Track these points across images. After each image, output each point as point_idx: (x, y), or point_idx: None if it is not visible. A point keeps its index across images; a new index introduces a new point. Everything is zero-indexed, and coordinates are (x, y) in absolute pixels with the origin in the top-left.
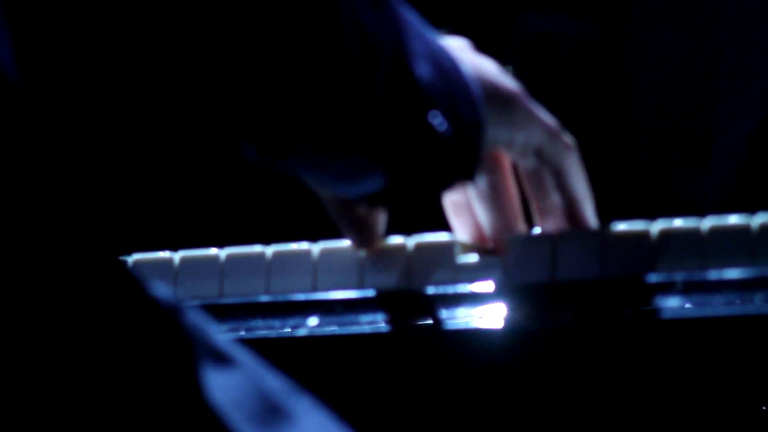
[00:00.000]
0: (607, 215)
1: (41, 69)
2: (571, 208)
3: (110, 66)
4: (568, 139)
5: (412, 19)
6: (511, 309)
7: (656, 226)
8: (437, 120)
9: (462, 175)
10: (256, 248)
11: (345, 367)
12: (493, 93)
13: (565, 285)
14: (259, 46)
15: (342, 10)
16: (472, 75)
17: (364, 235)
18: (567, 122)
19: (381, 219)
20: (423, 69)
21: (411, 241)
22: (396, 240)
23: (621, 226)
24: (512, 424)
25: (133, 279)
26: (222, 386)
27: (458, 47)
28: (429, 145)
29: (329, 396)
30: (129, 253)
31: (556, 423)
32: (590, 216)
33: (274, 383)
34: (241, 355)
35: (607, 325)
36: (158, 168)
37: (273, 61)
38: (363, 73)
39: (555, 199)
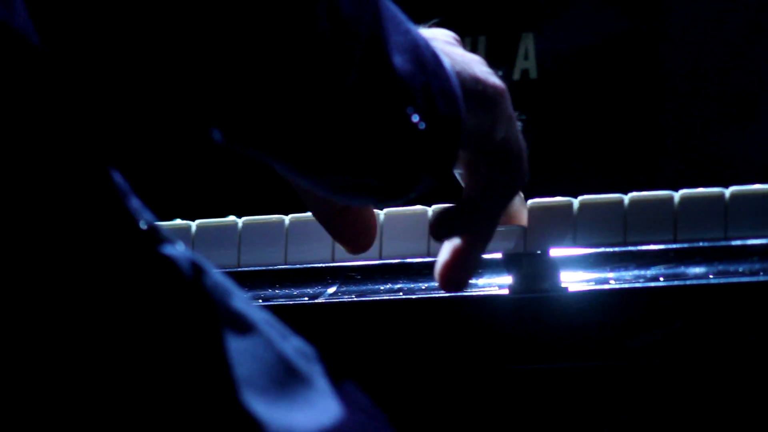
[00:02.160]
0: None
1: (57, 31)
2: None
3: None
4: (523, 170)
5: (392, 9)
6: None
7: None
8: (413, 114)
9: (437, 170)
10: (274, 217)
11: (363, 334)
12: (475, 89)
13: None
14: (229, 21)
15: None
16: (453, 69)
17: (352, 241)
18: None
19: (371, 224)
20: (400, 60)
21: (429, 209)
22: (414, 207)
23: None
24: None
25: (149, 240)
26: (241, 351)
27: (443, 41)
28: (403, 137)
29: (347, 363)
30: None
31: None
32: (475, 253)
33: (292, 347)
34: (260, 317)
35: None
36: (173, 135)
37: (243, 39)
38: (337, 58)
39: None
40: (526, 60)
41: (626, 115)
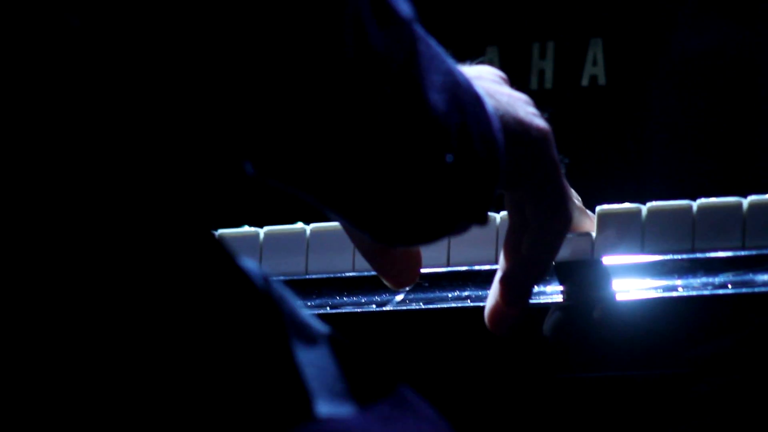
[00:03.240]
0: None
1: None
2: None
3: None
4: (566, 217)
5: (432, 47)
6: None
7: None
8: (447, 154)
9: (472, 213)
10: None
11: (430, 342)
12: (519, 132)
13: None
14: (257, 53)
15: (347, 21)
16: (496, 111)
17: (395, 278)
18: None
19: (415, 260)
20: (436, 99)
21: (497, 216)
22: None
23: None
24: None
25: (225, 252)
26: (309, 362)
27: (490, 80)
28: (437, 179)
29: (413, 372)
30: (214, 229)
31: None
32: (524, 288)
33: (356, 360)
34: (324, 329)
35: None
36: None
37: (266, 65)
38: (365, 93)
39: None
40: (595, 66)
41: (693, 121)
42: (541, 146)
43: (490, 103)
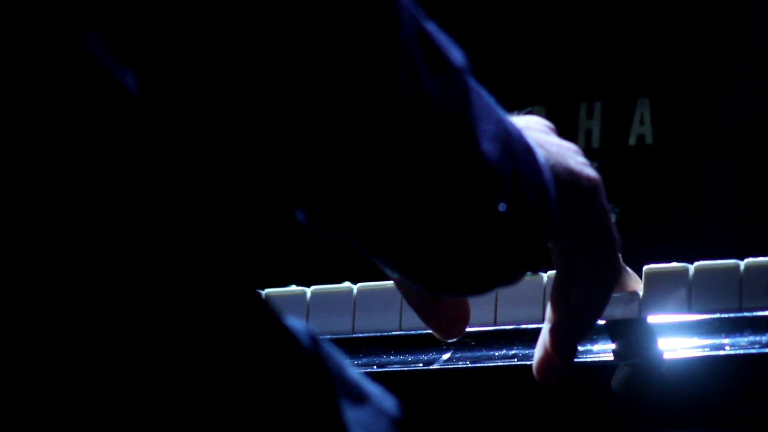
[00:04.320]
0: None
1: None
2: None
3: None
4: (617, 267)
5: (484, 96)
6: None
7: None
8: (500, 203)
9: (525, 263)
10: (389, 283)
11: (477, 401)
12: (569, 182)
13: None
14: (309, 102)
15: (400, 70)
16: (547, 161)
17: (444, 329)
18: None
19: (464, 311)
20: (489, 148)
21: (544, 275)
22: (529, 276)
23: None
24: None
25: (271, 312)
26: (357, 422)
27: (538, 130)
28: (489, 228)
29: (460, 431)
30: (261, 288)
31: None
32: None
33: (405, 420)
34: (372, 389)
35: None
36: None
37: (321, 117)
38: (418, 141)
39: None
40: (642, 125)
41: (740, 180)
42: (591, 195)
43: (540, 153)
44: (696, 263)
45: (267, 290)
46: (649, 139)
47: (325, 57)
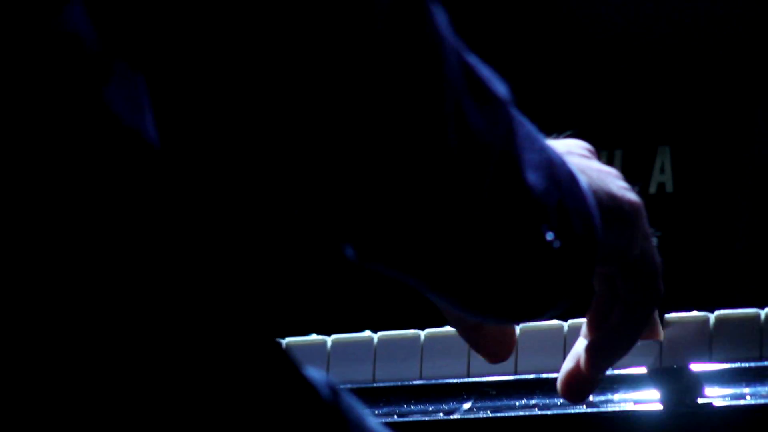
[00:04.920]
0: None
1: (182, 141)
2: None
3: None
4: (659, 289)
5: (527, 125)
6: (667, 391)
7: None
8: (548, 232)
9: (572, 289)
10: (409, 332)
11: None
12: (611, 206)
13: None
14: (353, 131)
15: (447, 108)
16: (589, 187)
17: (491, 353)
18: None
19: (510, 335)
20: (534, 178)
21: (565, 324)
22: (551, 322)
23: None
24: None
25: (291, 362)
26: None
27: (579, 154)
28: (537, 256)
29: None
30: (282, 337)
31: None
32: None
33: None
34: None
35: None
36: (304, 250)
37: (368, 148)
38: (466, 176)
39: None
40: (663, 174)
41: (760, 228)
42: (634, 219)
43: (583, 179)
44: (716, 312)
45: (287, 339)
46: (669, 188)
47: (375, 102)
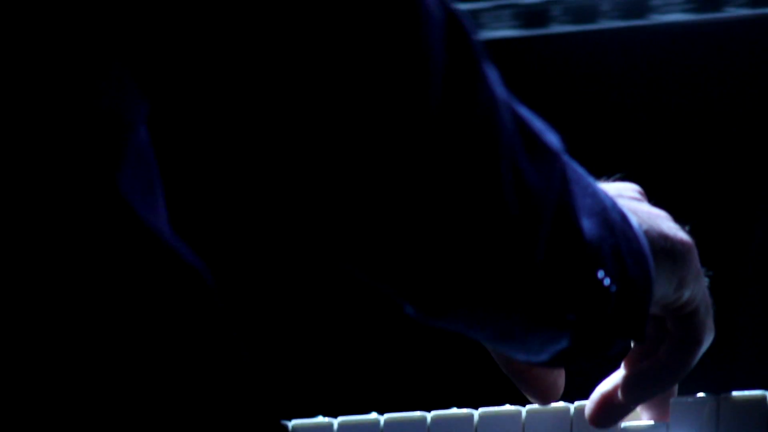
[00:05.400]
0: None
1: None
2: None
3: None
4: (710, 328)
5: (578, 171)
6: None
7: None
8: (605, 278)
9: (629, 333)
10: (416, 414)
11: None
12: (664, 247)
13: None
14: (417, 204)
15: (504, 169)
16: (641, 228)
17: (543, 394)
18: None
19: (560, 375)
20: (589, 224)
21: (571, 406)
22: (557, 405)
23: None
24: None
25: None
26: None
27: (629, 195)
28: (595, 303)
29: None
30: (287, 419)
31: None
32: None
33: None
34: None
35: None
36: (315, 329)
37: (431, 219)
38: (525, 233)
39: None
40: None
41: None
42: (686, 259)
43: (635, 221)
44: (723, 394)
45: (294, 421)
46: None
47: (434, 171)
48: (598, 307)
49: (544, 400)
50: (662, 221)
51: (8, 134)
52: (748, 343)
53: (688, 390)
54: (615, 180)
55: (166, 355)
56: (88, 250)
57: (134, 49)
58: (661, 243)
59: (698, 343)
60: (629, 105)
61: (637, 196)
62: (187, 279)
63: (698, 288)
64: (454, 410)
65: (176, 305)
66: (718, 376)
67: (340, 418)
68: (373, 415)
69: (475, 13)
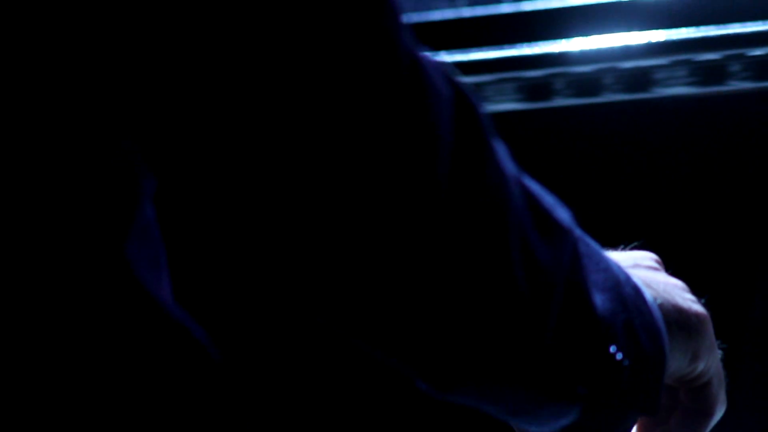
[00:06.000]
0: None
1: (200, 307)
2: None
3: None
4: (722, 400)
5: (590, 245)
6: None
7: None
8: (617, 352)
9: (642, 407)
10: None
11: None
12: (678, 320)
13: None
14: (425, 280)
15: (513, 246)
16: (655, 301)
17: None
18: None
19: None
20: (600, 299)
21: None
22: None
23: None
24: None
25: None
26: None
27: (645, 266)
28: (607, 377)
29: None
30: None
31: None
32: None
33: None
34: None
35: None
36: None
37: (439, 295)
38: (534, 309)
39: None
40: None
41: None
42: (700, 332)
43: (648, 293)
44: None
45: None
46: None
47: (443, 249)
48: (611, 381)
49: None
50: (677, 293)
51: (19, 205)
52: (750, 415)
53: None
54: (632, 248)
55: (171, 431)
56: (96, 320)
57: (143, 128)
58: (675, 316)
59: (710, 415)
60: (635, 176)
61: (654, 265)
62: (193, 353)
63: (712, 360)
64: None
65: (182, 379)
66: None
67: None
68: None
69: (478, 87)
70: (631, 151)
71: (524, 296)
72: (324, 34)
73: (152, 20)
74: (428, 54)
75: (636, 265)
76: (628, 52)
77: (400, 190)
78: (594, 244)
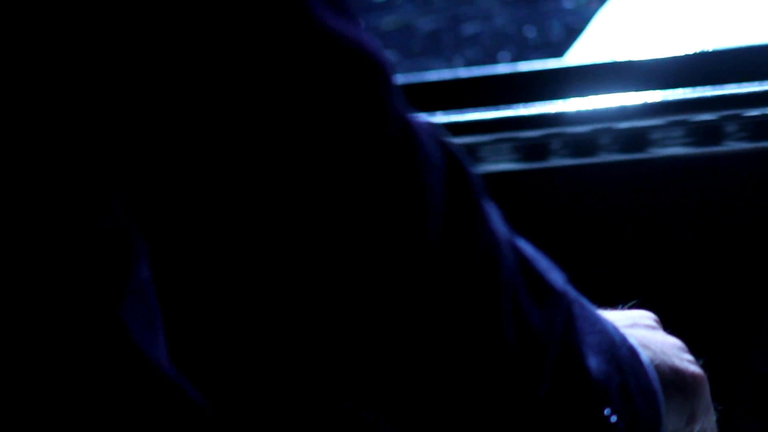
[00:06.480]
0: None
1: (196, 368)
2: None
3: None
4: None
5: (585, 307)
6: None
7: None
8: (611, 415)
9: None
10: None
11: None
12: (674, 381)
13: None
14: (416, 343)
15: (505, 310)
16: (651, 362)
17: None
18: None
19: None
20: (595, 362)
21: None
22: None
23: None
24: None
25: None
26: None
27: (643, 324)
28: None
29: None
30: None
31: None
32: None
33: None
34: None
35: None
36: None
37: (430, 358)
38: (527, 372)
39: None
40: None
41: None
42: (696, 393)
43: (645, 354)
44: None
45: None
46: None
47: (434, 313)
48: None
49: None
50: (675, 353)
51: (12, 267)
52: None
53: None
54: (630, 308)
55: None
56: (91, 382)
57: (131, 188)
58: (672, 377)
59: None
60: (632, 236)
61: (652, 324)
62: (189, 414)
63: (708, 421)
64: None
65: None
66: None
67: None
68: None
69: (475, 147)
70: (628, 211)
71: (516, 360)
72: (315, 101)
73: (139, 78)
74: (420, 116)
75: (634, 325)
76: (624, 113)
77: (391, 256)
78: (589, 306)
